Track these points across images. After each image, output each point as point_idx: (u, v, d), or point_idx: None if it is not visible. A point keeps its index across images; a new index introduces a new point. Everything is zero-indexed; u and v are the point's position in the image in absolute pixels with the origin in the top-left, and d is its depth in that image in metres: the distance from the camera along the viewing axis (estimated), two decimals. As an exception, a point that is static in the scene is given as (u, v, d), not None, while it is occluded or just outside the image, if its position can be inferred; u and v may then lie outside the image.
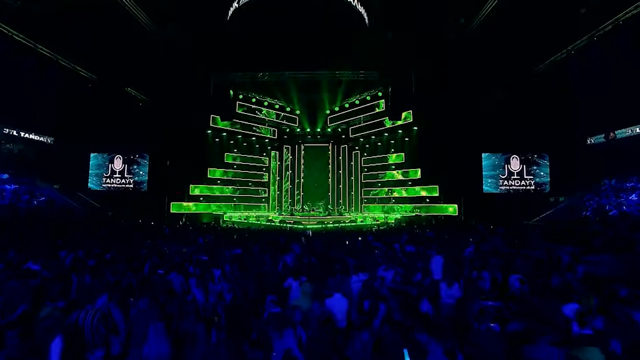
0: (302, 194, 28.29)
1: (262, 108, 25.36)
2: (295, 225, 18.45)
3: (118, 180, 24.33)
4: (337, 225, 18.30)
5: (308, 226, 17.94)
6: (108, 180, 24.30)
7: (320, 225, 17.49)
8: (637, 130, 18.38)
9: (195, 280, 5.28)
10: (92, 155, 24.22)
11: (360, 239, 10.40)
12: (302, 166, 29.08)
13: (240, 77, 21.31)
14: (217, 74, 21.17)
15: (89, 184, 23.88)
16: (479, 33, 17.49)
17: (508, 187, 23.17)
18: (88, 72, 20.32)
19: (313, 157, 28.81)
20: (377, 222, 20.89)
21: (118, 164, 24.36)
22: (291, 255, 7.80)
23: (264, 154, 27.61)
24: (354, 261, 6.76)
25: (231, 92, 22.16)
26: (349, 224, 19.51)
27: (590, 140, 21.10)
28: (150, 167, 24.28)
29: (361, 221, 21.12)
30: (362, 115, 25.52)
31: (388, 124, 23.93)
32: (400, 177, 24.59)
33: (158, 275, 5.57)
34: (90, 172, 24.16)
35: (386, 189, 25.41)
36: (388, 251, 8.46)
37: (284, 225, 19.00)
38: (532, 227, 18.23)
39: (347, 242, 9.46)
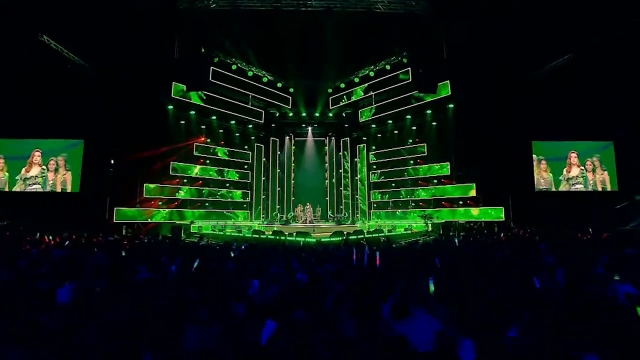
0: (293, 198, 22.48)
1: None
2: (299, 238, 12.20)
3: (35, 179, 16.94)
4: (360, 237, 12.29)
5: (322, 239, 11.80)
6: (22, 179, 16.90)
7: (340, 238, 11.42)
8: None
9: None
10: (-4, 140, 16.79)
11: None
12: (293, 164, 23.24)
13: (221, 2, 14.08)
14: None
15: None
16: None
17: (568, 184, 18.23)
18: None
19: (308, 152, 23.21)
20: (414, 232, 15.01)
21: (37, 154, 17.06)
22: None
23: (246, 147, 21.34)
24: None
25: (202, 49, 15.59)
26: (375, 235, 13.53)
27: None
28: (85, 159, 17.19)
29: (389, 230, 15.18)
30: (373, 93, 19.50)
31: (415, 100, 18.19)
32: (424, 173, 19.15)
33: None
34: (-5, 166, 16.68)
35: (404, 189, 19.83)
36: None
37: (281, 237, 12.71)
38: None
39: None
